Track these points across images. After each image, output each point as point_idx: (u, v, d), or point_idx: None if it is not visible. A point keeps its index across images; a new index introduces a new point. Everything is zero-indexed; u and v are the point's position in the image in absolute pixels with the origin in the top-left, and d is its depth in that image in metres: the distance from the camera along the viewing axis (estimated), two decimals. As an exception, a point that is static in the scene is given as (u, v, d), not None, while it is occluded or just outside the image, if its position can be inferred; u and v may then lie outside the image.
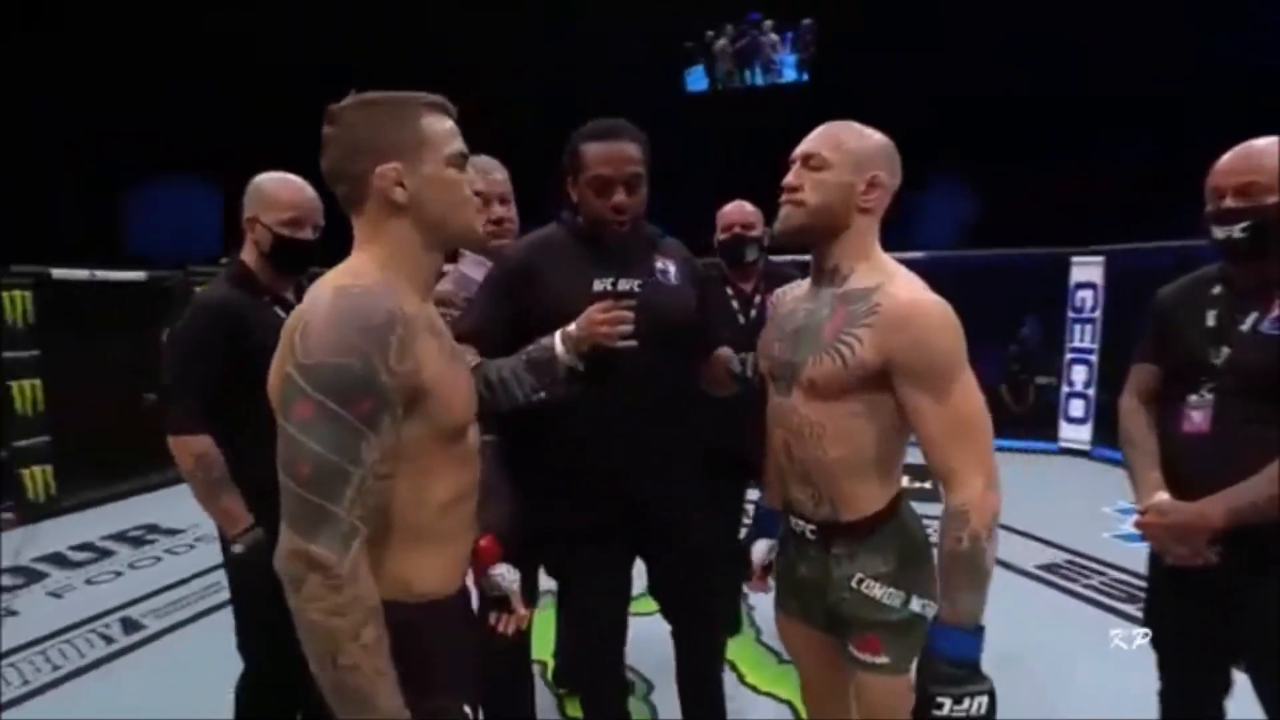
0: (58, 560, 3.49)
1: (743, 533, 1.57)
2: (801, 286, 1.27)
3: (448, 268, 1.64)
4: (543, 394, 1.31)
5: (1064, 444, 5.23)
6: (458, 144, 0.96)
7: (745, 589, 1.36)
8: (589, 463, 1.40)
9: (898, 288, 1.10)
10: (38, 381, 4.06)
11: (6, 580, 3.24)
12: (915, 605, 1.15)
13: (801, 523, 1.22)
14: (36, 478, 4.07)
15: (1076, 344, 5.20)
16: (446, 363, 0.93)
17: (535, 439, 1.47)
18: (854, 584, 1.15)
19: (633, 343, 1.24)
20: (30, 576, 3.30)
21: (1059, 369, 5.33)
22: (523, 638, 1.80)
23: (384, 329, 0.82)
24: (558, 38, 7.37)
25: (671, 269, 1.46)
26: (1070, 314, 5.21)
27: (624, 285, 1.33)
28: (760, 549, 1.34)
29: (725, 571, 1.63)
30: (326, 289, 0.85)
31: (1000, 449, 4.22)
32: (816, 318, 1.16)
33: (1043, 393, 5.78)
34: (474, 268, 1.60)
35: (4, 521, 3.96)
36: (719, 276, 2.30)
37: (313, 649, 0.81)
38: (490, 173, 1.70)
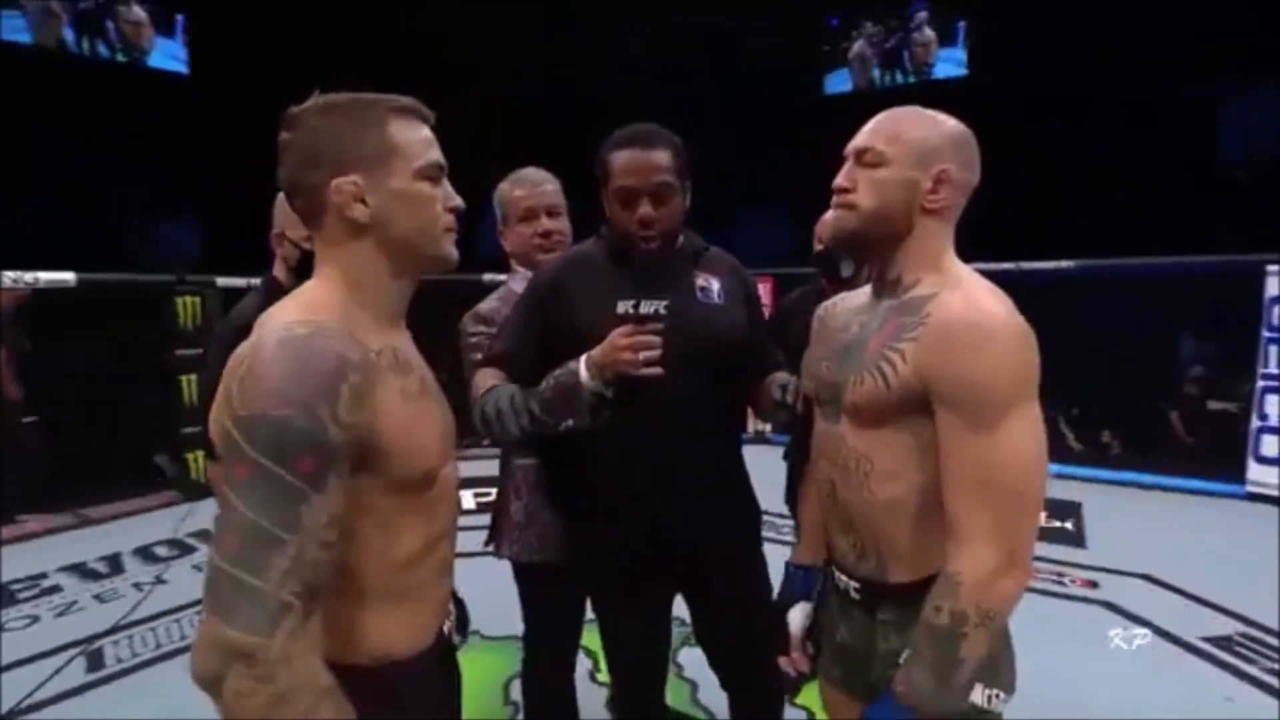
0: (207, 537, 3.93)
1: None
2: (858, 296, 1.10)
3: (496, 277, 1.61)
4: (570, 423, 1.24)
5: (1253, 488, 4.41)
6: (432, 154, 0.86)
7: (781, 665, 1.19)
8: (617, 494, 1.32)
9: (955, 296, 0.91)
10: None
11: (164, 552, 3.68)
12: (978, 695, 0.93)
13: (845, 578, 1.05)
14: (199, 461, 4.62)
15: (1271, 369, 4.37)
16: (413, 405, 0.83)
17: (567, 465, 1.41)
18: (901, 661, 0.96)
19: (657, 370, 1.14)
20: (183, 550, 3.73)
21: (1247, 397, 4.52)
22: (569, 659, 1.75)
23: (334, 376, 0.72)
24: (679, 40, 7.35)
25: (715, 286, 1.34)
26: (1266, 333, 4.39)
27: (647, 307, 1.23)
28: (798, 616, 1.16)
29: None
30: (274, 327, 0.76)
31: (1172, 489, 3.61)
32: (867, 331, 1.00)
33: (1213, 423, 4.94)
34: (523, 284, 1.57)
35: (171, 499, 4.53)
36: (815, 290, 2.12)
37: None
38: (539, 185, 1.65)
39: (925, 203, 0.96)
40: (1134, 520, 3.88)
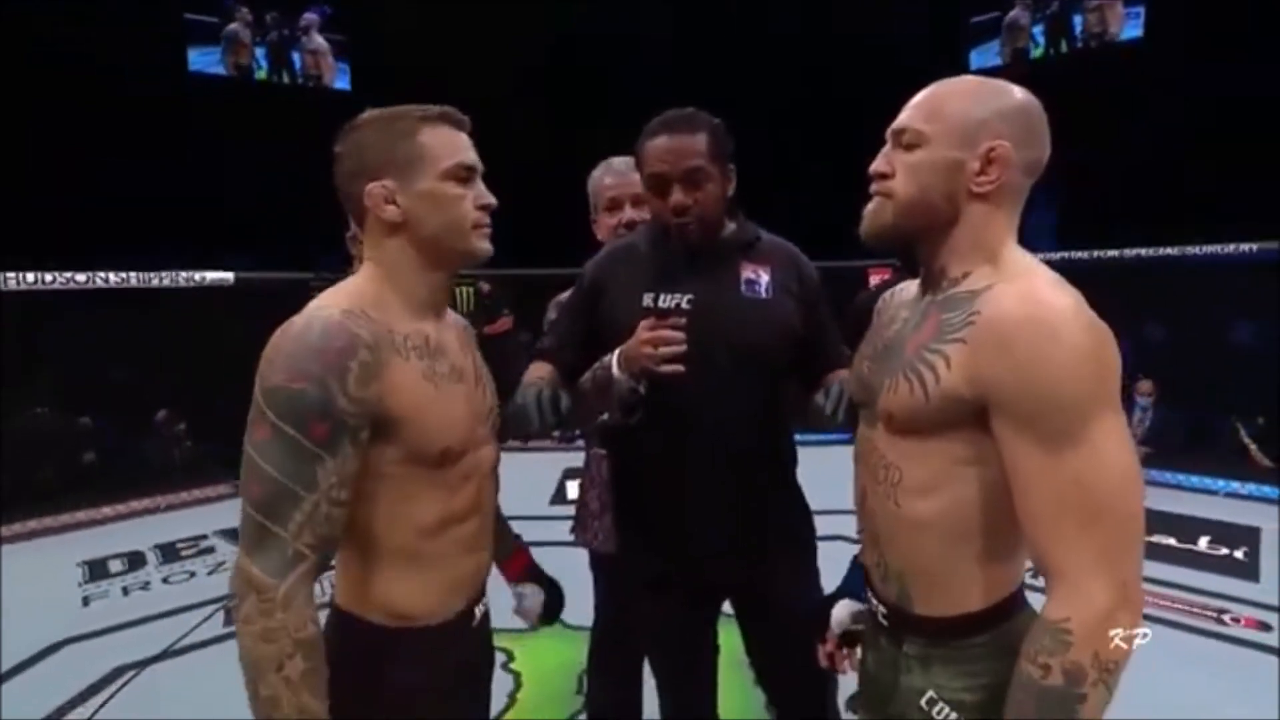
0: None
1: None
2: (914, 287, 0.97)
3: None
4: (604, 417, 1.22)
5: None
6: (462, 156, 0.92)
7: (820, 661, 1.09)
8: (649, 495, 1.28)
9: (1010, 289, 0.78)
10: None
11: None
12: None
13: (874, 600, 0.95)
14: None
15: None
16: (437, 386, 0.90)
17: (618, 459, 1.39)
18: (923, 704, 0.86)
19: (677, 368, 1.08)
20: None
21: None
22: (636, 650, 1.74)
23: (343, 354, 0.81)
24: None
25: (764, 278, 1.25)
26: None
27: (667, 300, 1.17)
28: (840, 612, 1.06)
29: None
30: (308, 309, 0.86)
31: None
32: (907, 329, 0.89)
33: None
34: None
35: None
36: (898, 281, 1.99)
37: (243, 672, 0.80)
38: (625, 174, 1.63)
39: (973, 186, 0.83)
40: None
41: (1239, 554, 3.30)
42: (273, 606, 0.77)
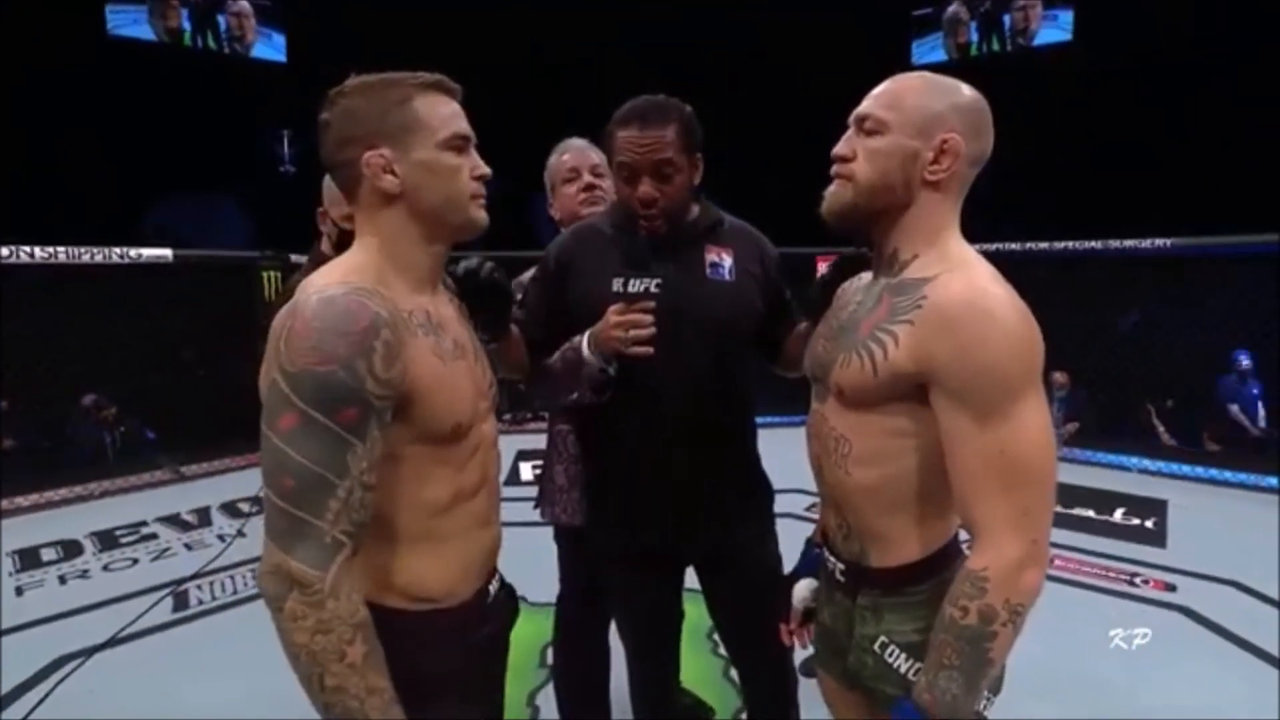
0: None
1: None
2: (867, 277, 1.06)
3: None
4: (575, 396, 1.26)
5: (1374, 493, 3.97)
6: (456, 126, 0.90)
7: (782, 637, 1.18)
8: (616, 471, 1.33)
9: (954, 278, 0.86)
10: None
11: (246, 508, 3.97)
12: (982, 700, 0.90)
13: (833, 559, 1.03)
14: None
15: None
16: (444, 362, 0.88)
17: (584, 436, 1.43)
18: (876, 648, 0.95)
19: (646, 350, 1.13)
20: (263, 507, 4.00)
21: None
22: (604, 621, 1.79)
23: (368, 334, 0.78)
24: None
25: (727, 262, 1.30)
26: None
27: (636, 285, 1.20)
28: (802, 590, 1.15)
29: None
30: (312, 290, 0.82)
31: (1273, 490, 3.21)
32: (861, 311, 0.97)
33: None
34: None
35: (256, 460, 4.87)
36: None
37: (299, 671, 0.77)
38: (583, 149, 1.68)
39: (926, 174, 0.91)
40: (1228, 522, 3.58)
41: (1149, 524, 3.60)
42: (322, 598, 0.75)
